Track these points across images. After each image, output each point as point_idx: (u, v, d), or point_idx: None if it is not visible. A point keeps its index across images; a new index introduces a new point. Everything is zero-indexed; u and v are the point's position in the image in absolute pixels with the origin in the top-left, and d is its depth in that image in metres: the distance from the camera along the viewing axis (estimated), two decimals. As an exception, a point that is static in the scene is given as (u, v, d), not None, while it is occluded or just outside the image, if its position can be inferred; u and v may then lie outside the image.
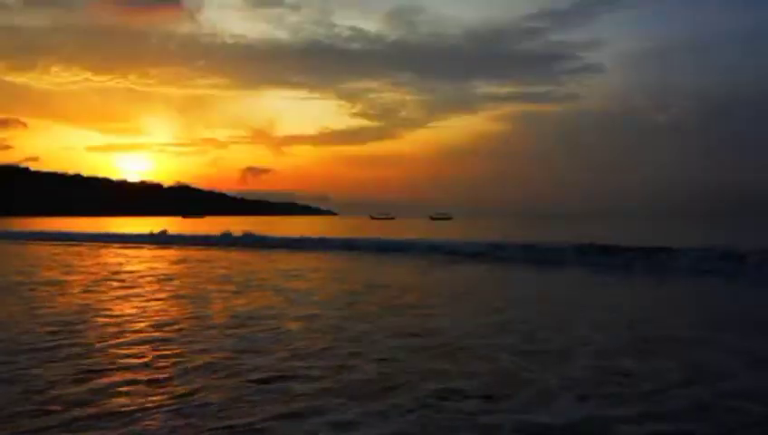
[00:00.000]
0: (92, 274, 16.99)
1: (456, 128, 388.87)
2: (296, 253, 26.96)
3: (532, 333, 8.44)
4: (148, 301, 11.51)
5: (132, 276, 16.20)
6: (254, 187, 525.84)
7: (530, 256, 22.09)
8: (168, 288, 13.61)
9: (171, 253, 27.16)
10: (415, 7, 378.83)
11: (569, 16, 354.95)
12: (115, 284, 14.41)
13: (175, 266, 19.93)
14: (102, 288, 13.45)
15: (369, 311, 10.48)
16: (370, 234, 42.00)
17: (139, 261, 22.19)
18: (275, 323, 9.14)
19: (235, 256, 25.23)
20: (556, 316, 10.11)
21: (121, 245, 34.36)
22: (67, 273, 17.24)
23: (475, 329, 8.78)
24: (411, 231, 54.19)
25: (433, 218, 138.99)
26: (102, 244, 35.45)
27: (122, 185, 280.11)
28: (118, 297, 12.01)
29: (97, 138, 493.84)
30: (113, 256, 24.67)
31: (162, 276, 16.31)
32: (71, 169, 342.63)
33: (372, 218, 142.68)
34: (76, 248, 30.57)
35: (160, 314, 10.01)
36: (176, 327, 8.79)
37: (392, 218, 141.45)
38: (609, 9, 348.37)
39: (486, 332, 8.61)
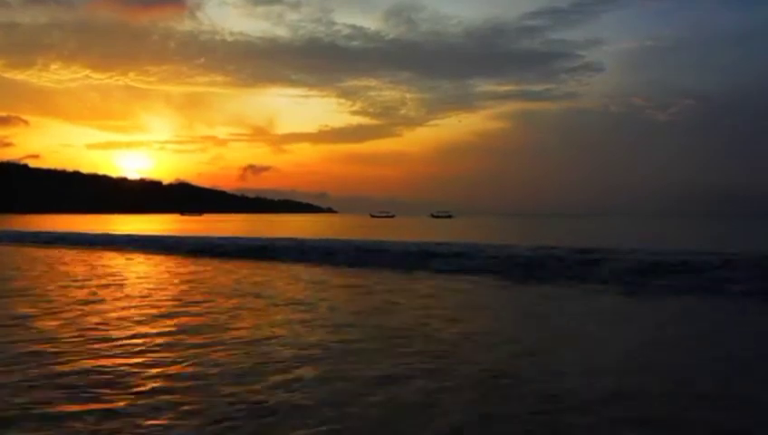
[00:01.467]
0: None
1: (456, 126, 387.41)
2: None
3: (618, 380, 6.48)
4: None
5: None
6: (254, 184, 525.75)
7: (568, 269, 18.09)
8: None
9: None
10: (414, 5, 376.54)
11: (568, 15, 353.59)
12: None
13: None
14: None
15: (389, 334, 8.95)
16: (372, 232, 41.70)
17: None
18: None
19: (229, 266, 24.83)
20: (644, 355, 8.04)
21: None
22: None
23: (539, 369, 7.02)
24: (422, 231, 53.86)
25: (434, 216, 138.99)
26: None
27: (122, 182, 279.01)
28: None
29: (97, 135, 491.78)
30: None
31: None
32: (70, 166, 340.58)
33: (372, 217, 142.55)
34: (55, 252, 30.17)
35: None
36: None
37: (392, 217, 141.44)
38: (609, 8, 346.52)
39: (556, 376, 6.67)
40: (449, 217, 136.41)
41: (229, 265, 20.31)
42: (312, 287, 14.57)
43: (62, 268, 18.83)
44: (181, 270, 18.73)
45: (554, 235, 43.28)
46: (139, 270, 18.87)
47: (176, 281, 15.63)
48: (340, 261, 21.60)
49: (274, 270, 18.93)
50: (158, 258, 23.46)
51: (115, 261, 22.07)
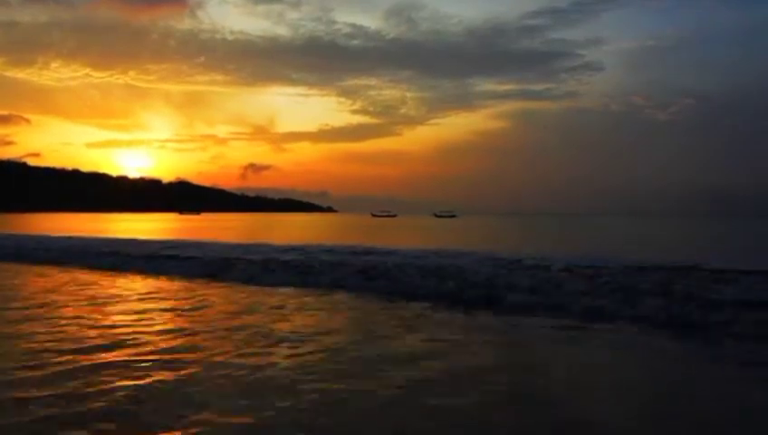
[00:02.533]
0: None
1: (456, 125, 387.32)
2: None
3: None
4: None
5: None
6: (255, 183, 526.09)
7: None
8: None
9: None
10: (415, 4, 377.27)
11: (569, 14, 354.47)
12: None
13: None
14: None
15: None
16: (374, 232, 40.54)
17: None
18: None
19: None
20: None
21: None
22: None
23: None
24: (430, 232, 52.70)
25: (437, 216, 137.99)
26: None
27: (122, 181, 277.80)
28: None
29: (97, 134, 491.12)
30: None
31: None
32: (70, 164, 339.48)
33: (374, 216, 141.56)
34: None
35: None
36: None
37: (394, 216, 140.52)
38: (609, 7, 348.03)
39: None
40: (453, 216, 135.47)
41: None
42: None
43: None
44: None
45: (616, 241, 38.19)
46: None
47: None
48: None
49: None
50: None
51: None
